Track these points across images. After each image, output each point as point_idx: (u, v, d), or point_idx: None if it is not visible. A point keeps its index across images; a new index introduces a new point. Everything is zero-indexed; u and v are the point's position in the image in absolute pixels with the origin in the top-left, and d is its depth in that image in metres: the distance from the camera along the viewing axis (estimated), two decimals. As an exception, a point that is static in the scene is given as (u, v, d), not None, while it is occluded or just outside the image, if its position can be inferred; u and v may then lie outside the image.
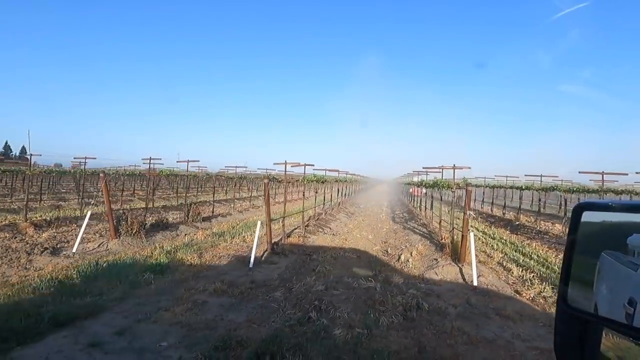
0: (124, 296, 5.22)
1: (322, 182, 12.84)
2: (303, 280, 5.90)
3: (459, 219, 8.69)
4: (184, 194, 13.56)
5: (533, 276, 7.00)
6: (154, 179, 17.52)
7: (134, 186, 25.88)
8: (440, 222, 10.67)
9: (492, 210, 19.65)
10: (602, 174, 9.52)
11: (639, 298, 0.74)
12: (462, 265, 7.13)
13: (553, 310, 4.42)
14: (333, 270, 6.92)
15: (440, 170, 10.33)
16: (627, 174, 9.46)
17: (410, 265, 7.50)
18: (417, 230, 12.57)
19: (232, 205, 16.58)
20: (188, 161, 11.98)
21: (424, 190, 42.88)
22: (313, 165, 10.56)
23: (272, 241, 8.80)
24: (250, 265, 6.95)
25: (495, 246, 10.21)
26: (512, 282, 6.77)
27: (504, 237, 12.12)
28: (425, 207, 16.05)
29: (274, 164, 10.21)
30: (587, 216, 0.88)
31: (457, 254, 7.45)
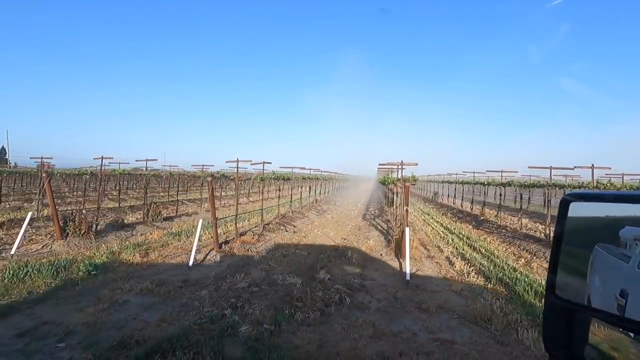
0: (44, 297, 5.12)
1: (286, 180, 12.80)
2: (233, 279, 5.88)
3: (418, 213, 8.77)
4: (147, 194, 13.34)
5: (472, 269, 7.13)
6: (119, 177, 17.20)
7: (105, 186, 25.36)
8: (396, 217, 10.76)
9: (462, 206, 19.94)
10: (550, 168, 9.75)
11: (630, 289, 0.75)
12: (403, 260, 7.21)
13: (474, 301, 4.46)
14: (277, 268, 6.91)
15: (397, 166, 10.39)
16: (573, 168, 9.67)
17: (354, 261, 7.54)
18: (379, 227, 12.67)
19: (201, 205, 16.42)
20: (147, 160, 11.82)
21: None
22: (270, 162, 10.52)
23: (223, 240, 8.76)
24: (190, 264, 6.90)
25: (450, 241, 10.35)
26: (450, 276, 6.86)
27: (464, 232, 12.31)
28: (389, 203, 16.13)
29: (226, 162, 10.12)
30: (575, 207, 0.88)
31: (400, 249, 7.53)
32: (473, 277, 6.65)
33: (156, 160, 13.19)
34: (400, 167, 9.06)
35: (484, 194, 17.35)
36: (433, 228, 13.07)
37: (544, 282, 6.64)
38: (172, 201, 19.02)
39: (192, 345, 3.66)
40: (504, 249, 9.65)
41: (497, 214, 14.59)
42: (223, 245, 8.27)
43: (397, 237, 9.22)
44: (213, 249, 7.96)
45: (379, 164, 9.09)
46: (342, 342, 3.94)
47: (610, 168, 8.88)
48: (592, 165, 8.30)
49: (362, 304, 5.13)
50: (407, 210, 7.04)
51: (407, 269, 6.30)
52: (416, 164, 10.55)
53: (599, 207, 0.87)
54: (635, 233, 0.78)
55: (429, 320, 4.64)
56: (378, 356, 3.65)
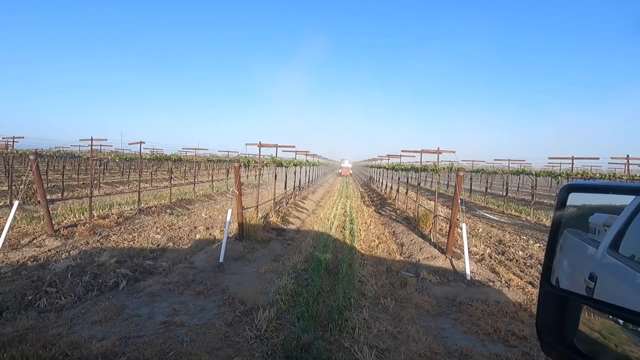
0: None
1: (176, 161, 12.23)
2: (21, 265, 5.44)
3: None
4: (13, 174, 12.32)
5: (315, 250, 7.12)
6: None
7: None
8: (282, 200, 10.64)
9: (380, 190, 20.38)
10: (422, 152, 9.98)
11: (598, 273, 0.79)
12: (242, 242, 7.06)
13: (269, 282, 4.24)
14: (100, 253, 6.54)
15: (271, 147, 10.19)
16: (436, 151, 9.86)
17: (195, 244, 7.31)
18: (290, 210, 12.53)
19: (118, 189, 15.59)
20: (14, 137, 10.84)
21: (350, 171, 44.03)
22: (143, 142, 9.93)
23: (71, 223, 8.22)
24: (-3, 249, 6.35)
25: (330, 223, 10.40)
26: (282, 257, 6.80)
27: (360, 214, 12.46)
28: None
29: (80, 140, 9.46)
30: (574, 197, 0.89)
31: (243, 231, 7.36)
32: (302, 257, 6.62)
33: (21, 138, 11.73)
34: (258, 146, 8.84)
35: (413, 178, 17.79)
36: (332, 211, 13.14)
37: (365, 261, 6.73)
38: (83, 184, 18.04)
39: None
40: (377, 230, 9.82)
41: (395, 197, 14.94)
42: (63, 229, 7.73)
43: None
44: (47, 232, 7.41)
45: (246, 143, 8.89)
46: (52, 329, 3.66)
47: (454, 151, 9.17)
48: (438, 148, 8.56)
49: (140, 288, 4.87)
50: (234, 192, 6.84)
51: (223, 250, 6.11)
52: (294, 146, 10.40)
53: (597, 197, 0.89)
54: (604, 219, 0.81)
55: (191, 302, 4.47)
56: (69, 344, 3.37)
